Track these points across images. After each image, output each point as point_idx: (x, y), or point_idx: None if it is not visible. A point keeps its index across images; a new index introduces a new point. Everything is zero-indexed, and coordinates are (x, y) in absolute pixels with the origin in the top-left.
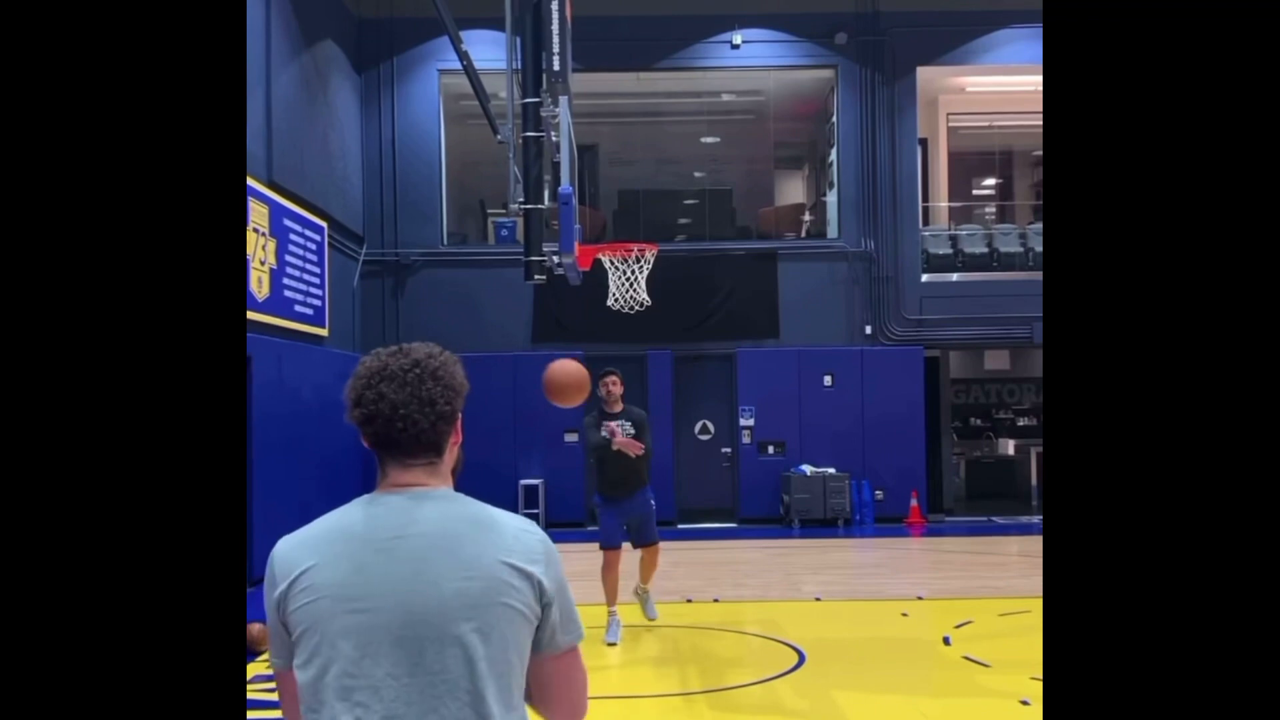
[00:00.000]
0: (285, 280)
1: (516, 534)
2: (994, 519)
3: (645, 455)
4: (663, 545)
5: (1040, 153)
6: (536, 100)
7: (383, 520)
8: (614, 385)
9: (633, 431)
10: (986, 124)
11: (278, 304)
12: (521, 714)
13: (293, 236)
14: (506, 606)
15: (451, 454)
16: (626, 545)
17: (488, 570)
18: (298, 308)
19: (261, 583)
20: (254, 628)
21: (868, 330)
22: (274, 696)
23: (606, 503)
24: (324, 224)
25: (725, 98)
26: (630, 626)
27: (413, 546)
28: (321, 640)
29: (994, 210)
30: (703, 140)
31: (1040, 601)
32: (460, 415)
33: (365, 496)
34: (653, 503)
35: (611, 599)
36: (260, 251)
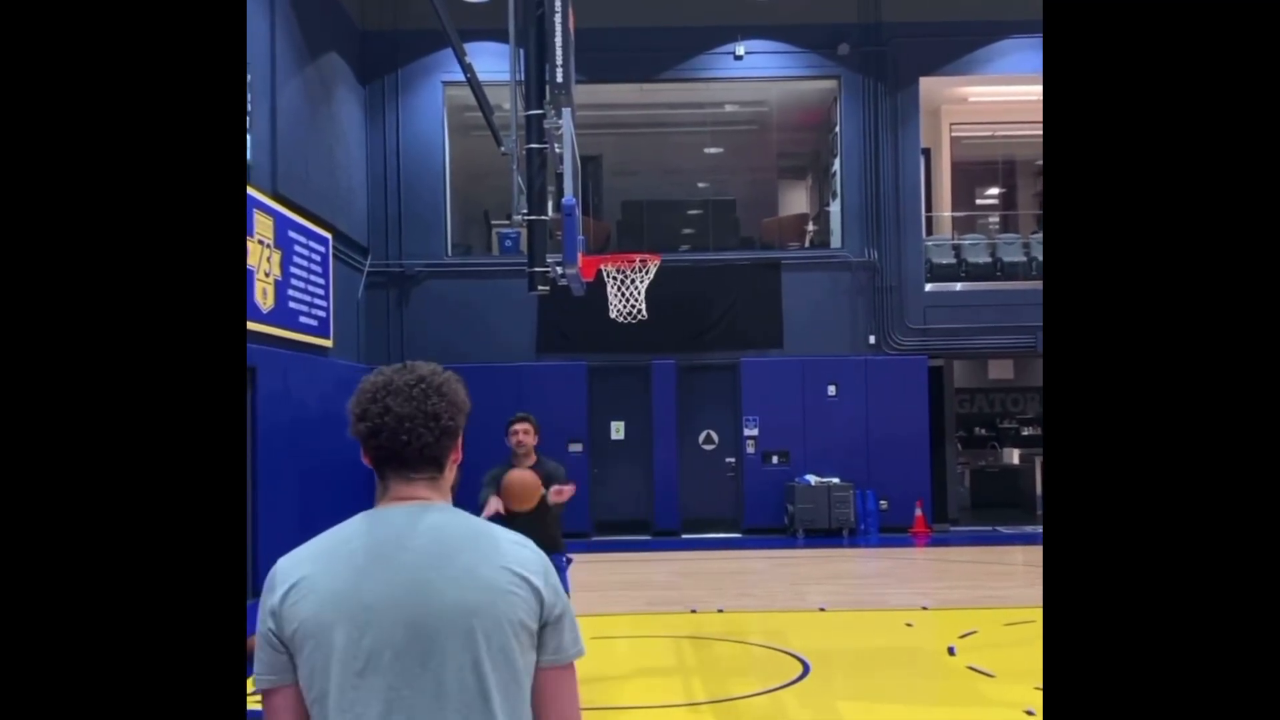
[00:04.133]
0: (290, 292)
1: (513, 546)
2: (999, 528)
3: (555, 515)
4: (667, 556)
5: (1042, 162)
6: (540, 112)
7: (384, 532)
8: (525, 435)
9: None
10: (989, 134)
11: (282, 315)
12: None
13: (297, 248)
14: (509, 616)
15: (452, 471)
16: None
17: (489, 579)
18: (302, 319)
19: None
20: (251, 641)
21: (871, 340)
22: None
23: None
24: (328, 235)
25: (728, 108)
26: (637, 638)
27: (414, 558)
28: (321, 652)
29: (997, 220)
30: (706, 151)
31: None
32: (462, 433)
33: (366, 512)
34: (567, 572)
35: None
36: (265, 263)
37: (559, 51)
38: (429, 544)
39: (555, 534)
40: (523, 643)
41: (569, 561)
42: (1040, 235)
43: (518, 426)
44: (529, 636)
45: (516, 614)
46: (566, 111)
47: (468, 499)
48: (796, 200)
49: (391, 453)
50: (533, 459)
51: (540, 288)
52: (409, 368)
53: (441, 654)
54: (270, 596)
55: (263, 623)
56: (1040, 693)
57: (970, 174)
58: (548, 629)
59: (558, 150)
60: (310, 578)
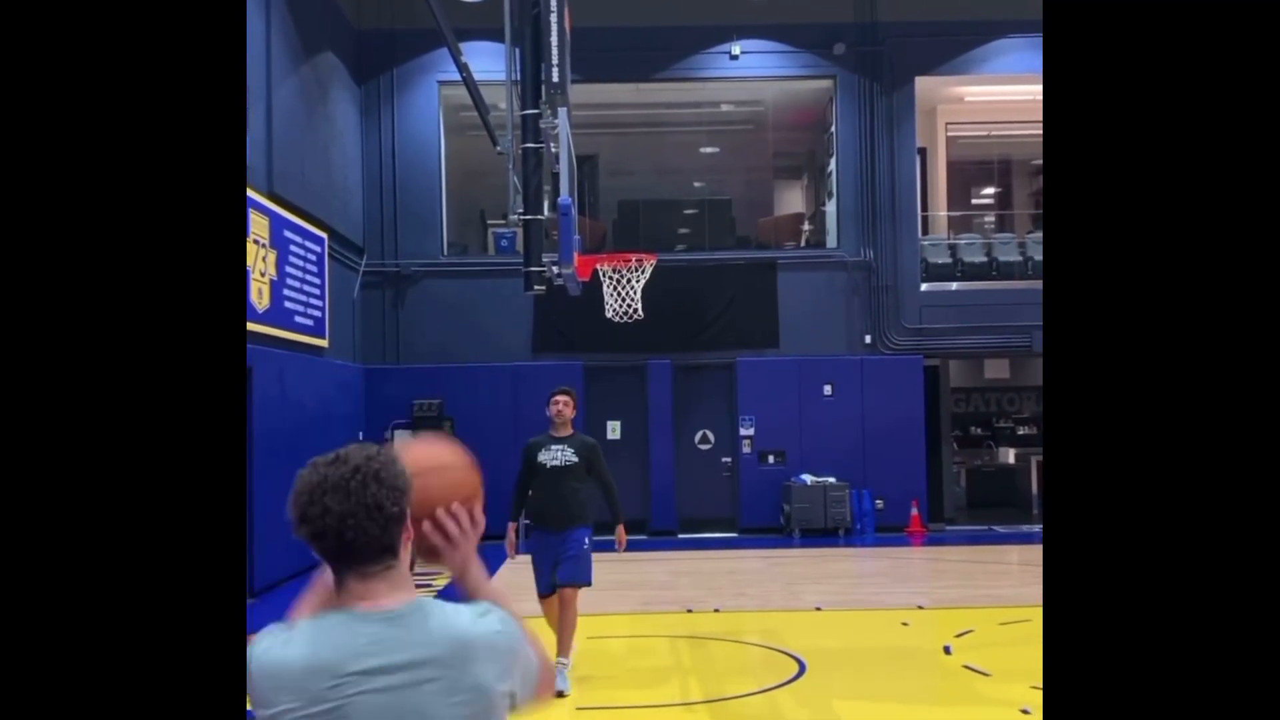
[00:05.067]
0: (285, 291)
1: (486, 638)
2: (994, 528)
3: (586, 487)
4: (664, 556)
5: (1039, 161)
6: (536, 111)
7: (356, 652)
8: (565, 406)
9: (575, 460)
10: (985, 133)
11: (278, 315)
12: None
13: (293, 248)
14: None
15: (406, 550)
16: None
17: (451, 700)
18: (298, 319)
19: (261, 594)
20: None
21: (867, 339)
22: None
23: (536, 533)
24: (324, 235)
25: (724, 108)
26: (633, 638)
27: (392, 680)
28: None
29: (993, 219)
30: (702, 150)
31: (1041, 610)
32: (409, 512)
33: (335, 617)
34: (586, 544)
35: (557, 647)
36: (260, 263)
37: (555, 51)
38: (406, 664)
39: (577, 511)
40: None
41: (590, 542)
42: (1035, 235)
43: (559, 398)
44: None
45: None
46: (562, 111)
47: (496, 515)
48: (792, 200)
49: (339, 551)
50: (570, 431)
51: (536, 287)
52: (341, 459)
53: None
54: (253, 691)
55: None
56: (1037, 691)
57: (966, 174)
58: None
59: (554, 150)
60: (292, 712)
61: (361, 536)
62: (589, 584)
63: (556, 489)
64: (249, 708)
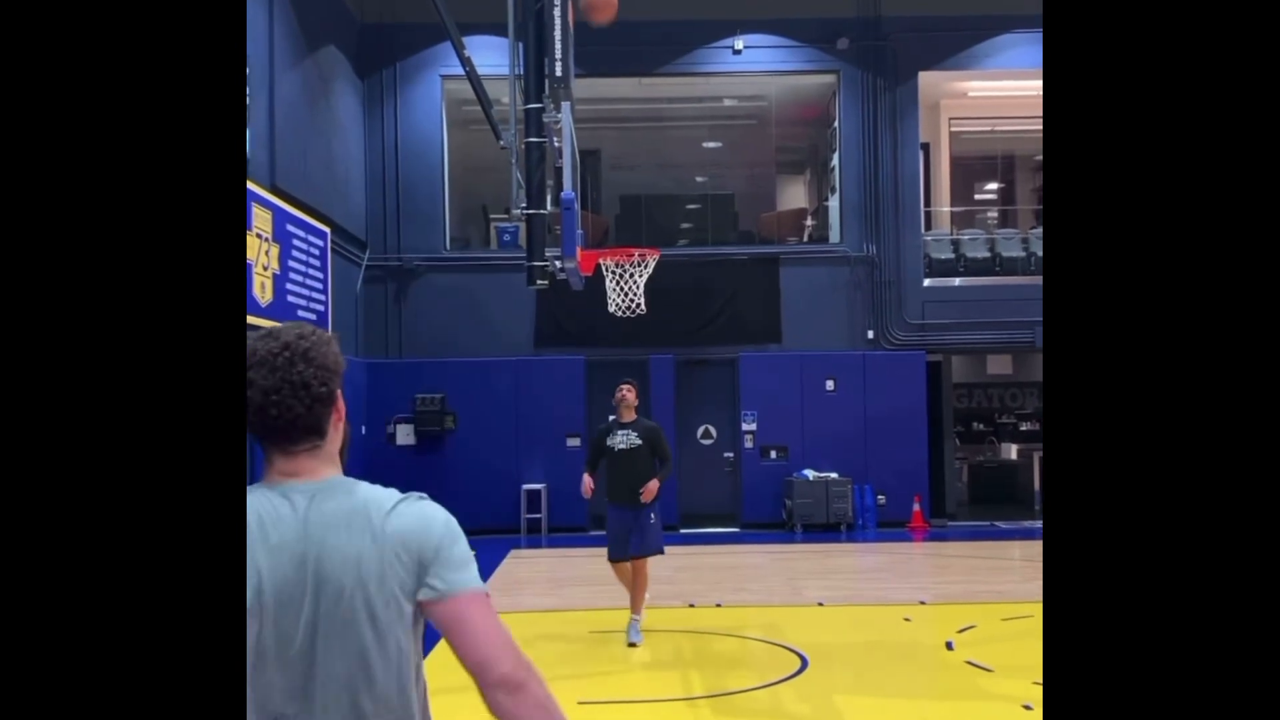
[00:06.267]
0: (288, 285)
1: (391, 518)
2: (996, 524)
3: (651, 466)
4: (666, 550)
5: (1042, 157)
6: (539, 105)
7: (271, 521)
8: (629, 392)
9: (639, 443)
10: (988, 128)
11: (281, 309)
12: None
13: (295, 242)
14: (385, 588)
15: (336, 433)
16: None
17: (363, 556)
18: (301, 313)
19: None
20: None
21: (870, 335)
22: None
23: (611, 507)
24: (327, 229)
25: (727, 103)
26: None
27: (294, 543)
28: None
29: (996, 215)
30: (705, 145)
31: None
32: (340, 394)
33: (255, 488)
34: (654, 519)
35: (631, 605)
36: (263, 257)
37: (558, 45)
38: (309, 529)
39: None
40: (405, 618)
41: (657, 516)
42: (1039, 230)
43: (622, 387)
44: (407, 604)
45: (395, 594)
46: (565, 105)
47: (472, 486)
48: (795, 195)
49: (264, 427)
50: (633, 416)
51: (539, 282)
52: (274, 334)
53: (327, 640)
54: None
55: None
56: (1039, 687)
57: (969, 169)
58: (430, 571)
59: (556, 144)
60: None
61: (286, 414)
62: (661, 552)
63: (626, 470)
64: None
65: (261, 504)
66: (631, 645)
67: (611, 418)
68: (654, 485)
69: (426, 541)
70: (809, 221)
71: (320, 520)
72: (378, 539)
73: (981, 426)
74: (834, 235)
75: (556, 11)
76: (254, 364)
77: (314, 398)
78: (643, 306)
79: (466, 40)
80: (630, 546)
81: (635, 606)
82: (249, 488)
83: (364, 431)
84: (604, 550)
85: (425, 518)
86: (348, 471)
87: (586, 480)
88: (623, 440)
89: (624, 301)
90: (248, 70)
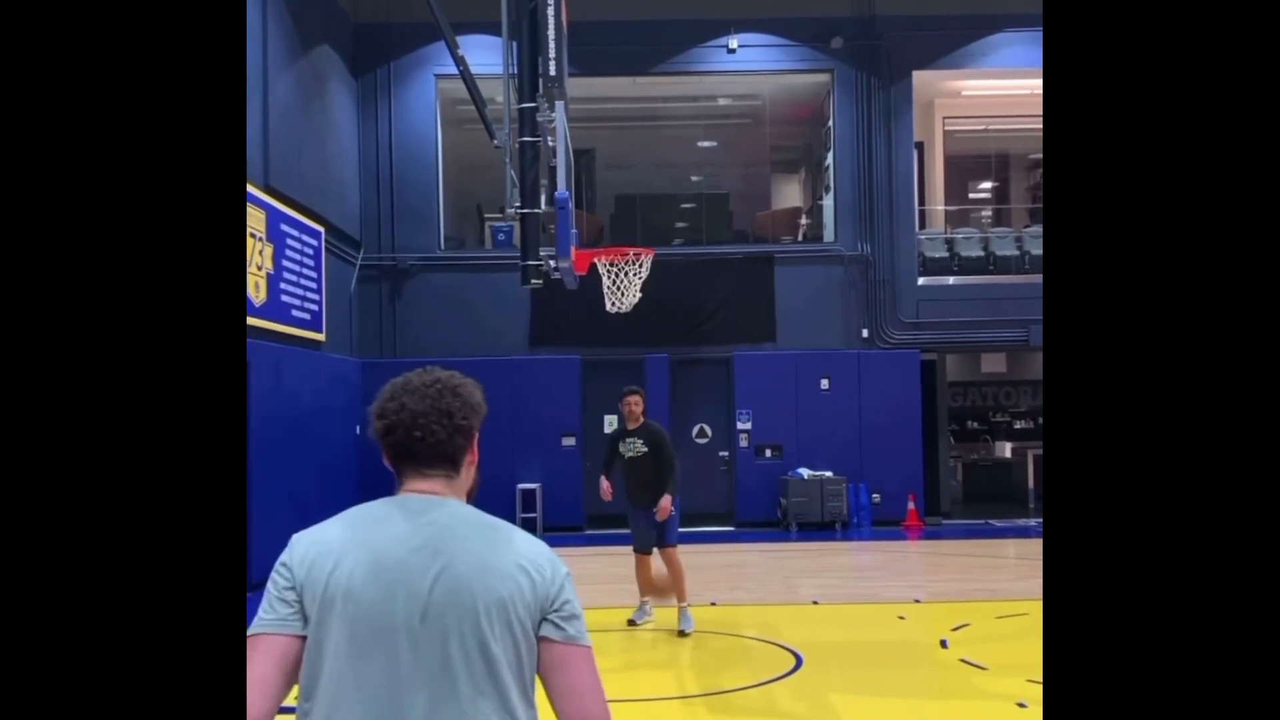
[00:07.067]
0: (282, 285)
1: (523, 540)
2: (991, 522)
3: (659, 470)
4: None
5: (1036, 156)
6: (533, 105)
7: (404, 512)
8: (634, 405)
9: (645, 450)
10: (982, 128)
11: (275, 309)
12: (535, 713)
13: (290, 241)
14: (512, 603)
15: (468, 474)
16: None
17: (494, 567)
18: (295, 313)
19: (261, 587)
20: None
21: (864, 334)
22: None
23: (631, 507)
24: (321, 229)
25: (722, 102)
26: (630, 631)
27: (428, 541)
28: (324, 633)
29: (990, 214)
30: (699, 144)
31: (1037, 604)
32: (477, 436)
33: (384, 499)
34: (673, 512)
35: (641, 591)
36: (257, 257)
37: (552, 44)
38: (442, 535)
39: (658, 489)
40: (525, 629)
41: (675, 510)
42: (1032, 229)
43: (630, 398)
44: (530, 624)
45: (517, 603)
46: (560, 105)
47: (493, 505)
48: (790, 194)
49: (405, 449)
50: (641, 421)
51: (534, 281)
52: (428, 370)
53: (445, 631)
54: (291, 559)
55: (278, 577)
56: (1033, 685)
57: (963, 168)
58: (550, 616)
59: (551, 143)
60: (337, 541)
61: (429, 438)
62: (668, 546)
63: (638, 476)
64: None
65: (385, 504)
66: (682, 634)
67: (623, 426)
68: (666, 504)
69: (556, 574)
70: (803, 220)
71: (449, 522)
72: (503, 549)
73: (976, 425)
74: (828, 234)
75: (550, 10)
76: (407, 391)
77: (456, 427)
78: (638, 306)
79: (461, 39)
80: (654, 540)
81: (680, 594)
82: (379, 500)
83: (358, 432)
84: (601, 549)
85: (552, 555)
86: None
87: (604, 484)
88: (630, 448)
89: (619, 301)
90: None
